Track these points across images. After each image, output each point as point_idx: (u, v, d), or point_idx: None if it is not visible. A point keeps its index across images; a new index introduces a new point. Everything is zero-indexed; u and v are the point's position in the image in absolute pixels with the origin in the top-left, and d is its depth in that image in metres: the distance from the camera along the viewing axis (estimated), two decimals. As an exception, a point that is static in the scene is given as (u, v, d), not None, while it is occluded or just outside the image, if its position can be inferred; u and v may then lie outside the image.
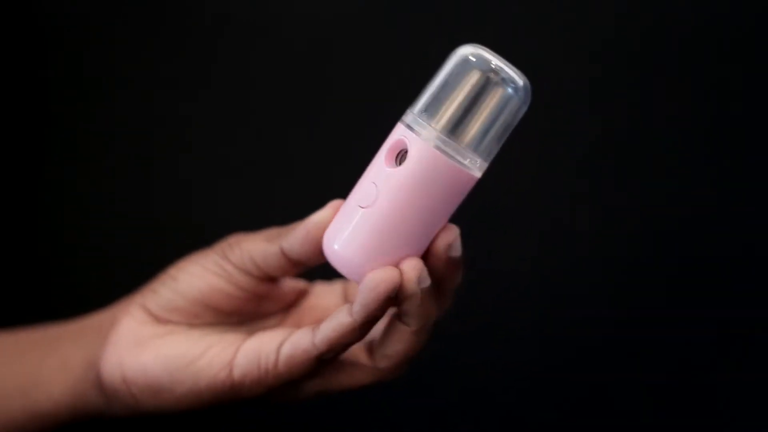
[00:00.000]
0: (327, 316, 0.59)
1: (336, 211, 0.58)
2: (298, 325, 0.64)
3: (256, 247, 0.61)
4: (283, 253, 0.60)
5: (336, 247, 0.57)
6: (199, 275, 0.62)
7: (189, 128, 1.02)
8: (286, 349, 0.58)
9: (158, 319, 0.62)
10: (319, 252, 0.59)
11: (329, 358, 0.58)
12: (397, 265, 0.56)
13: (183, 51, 1.01)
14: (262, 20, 1.00)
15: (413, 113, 0.57)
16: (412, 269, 0.55)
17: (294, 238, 0.59)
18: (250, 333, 0.62)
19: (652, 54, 0.98)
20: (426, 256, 0.57)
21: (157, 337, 0.61)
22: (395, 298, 0.55)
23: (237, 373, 0.59)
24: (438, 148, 0.56)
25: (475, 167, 0.57)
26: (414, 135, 0.56)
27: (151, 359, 0.60)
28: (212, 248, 0.63)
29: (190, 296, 0.61)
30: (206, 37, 1.01)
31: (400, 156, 0.56)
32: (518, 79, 0.57)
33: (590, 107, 1.00)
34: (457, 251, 0.57)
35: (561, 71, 0.98)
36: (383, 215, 0.56)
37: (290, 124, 1.01)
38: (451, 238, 0.56)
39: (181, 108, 1.02)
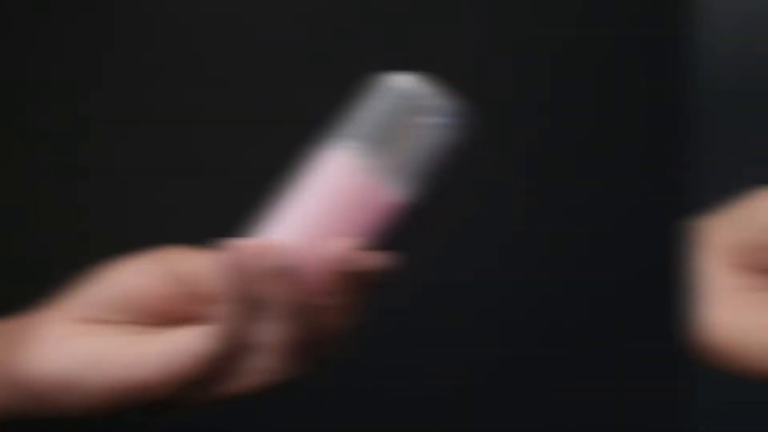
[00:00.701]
0: None
1: None
2: None
3: (199, 262, 0.62)
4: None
5: None
6: (130, 272, 0.61)
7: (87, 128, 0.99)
8: (191, 348, 0.58)
9: (80, 318, 0.61)
10: None
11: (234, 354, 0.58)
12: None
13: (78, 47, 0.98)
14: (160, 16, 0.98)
15: (336, 138, 0.57)
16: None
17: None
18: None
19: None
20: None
21: (75, 335, 0.60)
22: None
23: (144, 372, 0.58)
24: (360, 167, 0.56)
25: (397, 193, 0.57)
26: (336, 154, 0.56)
27: (63, 355, 0.59)
28: (147, 254, 0.63)
29: (117, 292, 0.61)
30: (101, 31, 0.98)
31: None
32: (446, 105, 0.57)
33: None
34: (346, 265, 0.56)
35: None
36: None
37: (197, 121, 0.99)
38: (340, 250, 0.55)
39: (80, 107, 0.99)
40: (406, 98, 0.57)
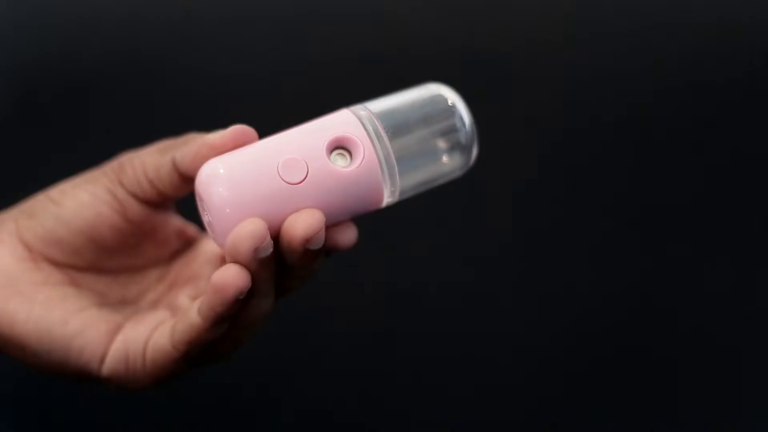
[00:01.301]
0: (200, 273, 0.58)
1: (235, 141, 0.55)
2: (177, 280, 0.61)
3: (150, 160, 0.58)
4: (175, 166, 0.57)
5: (223, 191, 0.52)
6: (88, 203, 0.58)
7: None
8: (150, 354, 0.56)
9: (34, 255, 0.58)
10: None
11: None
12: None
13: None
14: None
15: (370, 112, 0.55)
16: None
17: (187, 150, 0.56)
18: (126, 310, 0.59)
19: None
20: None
21: (33, 285, 0.57)
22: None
23: (105, 370, 0.57)
24: (381, 165, 0.54)
25: (390, 198, 0.55)
26: (369, 142, 0.54)
27: (24, 315, 0.56)
28: (102, 170, 0.59)
29: (75, 226, 0.58)
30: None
31: (342, 149, 0.54)
32: (474, 148, 0.55)
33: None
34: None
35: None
36: (295, 201, 0.52)
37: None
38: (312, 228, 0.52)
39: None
40: (452, 123, 0.55)
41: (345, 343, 0.99)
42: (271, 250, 0.52)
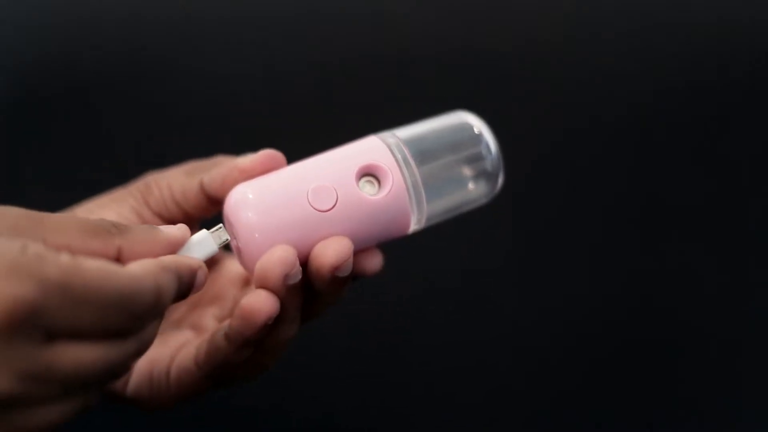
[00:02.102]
0: (224, 293, 0.58)
1: (265, 165, 0.55)
2: (201, 300, 0.61)
3: (177, 181, 0.58)
4: (203, 189, 0.57)
5: (252, 216, 0.52)
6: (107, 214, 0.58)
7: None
8: (174, 374, 0.56)
9: None
10: None
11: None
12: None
13: None
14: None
15: (398, 138, 0.55)
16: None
17: (216, 173, 0.56)
18: None
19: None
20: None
21: None
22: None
23: (130, 390, 0.57)
24: (409, 193, 0.54)
25: (416, 225, 0.55)
26: (398, 170, 0.54)
27: None
28: (128, 190, 0.59)
29: None
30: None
31: (371, 177, 0.54)
32: (500, 176, 0.55)
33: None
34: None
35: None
36: (324, 228, 0.53)
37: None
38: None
39: None
40: (479, 152, 0.55)
41: (356, 350, 0.99)
42: (300, 276, 0.52)
